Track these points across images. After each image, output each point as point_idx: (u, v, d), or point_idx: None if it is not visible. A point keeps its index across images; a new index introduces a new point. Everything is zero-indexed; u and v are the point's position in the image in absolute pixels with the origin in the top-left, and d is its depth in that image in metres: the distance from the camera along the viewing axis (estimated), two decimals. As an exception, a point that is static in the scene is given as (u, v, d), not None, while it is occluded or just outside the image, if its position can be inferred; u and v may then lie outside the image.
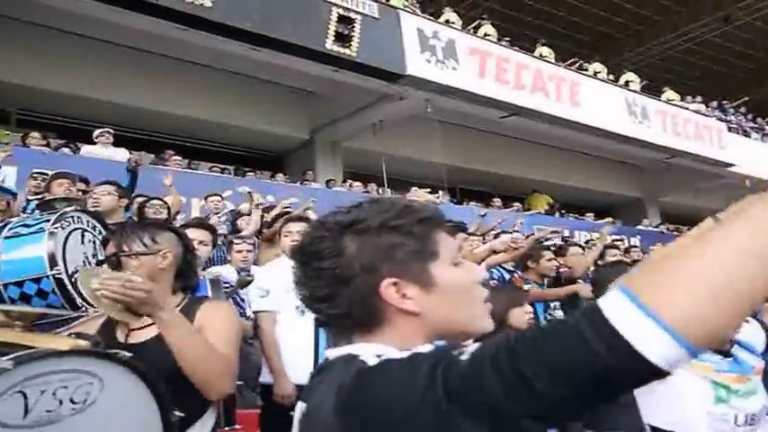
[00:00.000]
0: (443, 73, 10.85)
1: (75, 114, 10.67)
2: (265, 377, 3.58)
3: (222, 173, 10.94)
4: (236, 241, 5.20)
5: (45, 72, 9.69)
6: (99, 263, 2.06)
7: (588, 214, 14.58)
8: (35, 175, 6.10)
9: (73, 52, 9.87)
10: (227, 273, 4.74)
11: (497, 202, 13.21)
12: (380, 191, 11.60)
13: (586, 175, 16.36)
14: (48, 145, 8.75)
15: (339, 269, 0.92)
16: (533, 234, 10.18)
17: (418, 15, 11.40)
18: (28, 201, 5.51)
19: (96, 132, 8.54)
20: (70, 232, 2.51)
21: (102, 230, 2.39)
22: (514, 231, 7.71)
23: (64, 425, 1.27)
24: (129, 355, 1.48)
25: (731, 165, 15.51)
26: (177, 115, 11.23)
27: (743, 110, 18.21)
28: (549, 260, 5.20)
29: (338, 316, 0.94)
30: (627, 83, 14.89)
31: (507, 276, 5.32)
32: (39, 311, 1.53)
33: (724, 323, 0.64)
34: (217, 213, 7.02)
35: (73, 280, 2.41)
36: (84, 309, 2.34)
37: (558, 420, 0.71)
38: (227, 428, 1.86)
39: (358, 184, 11.78)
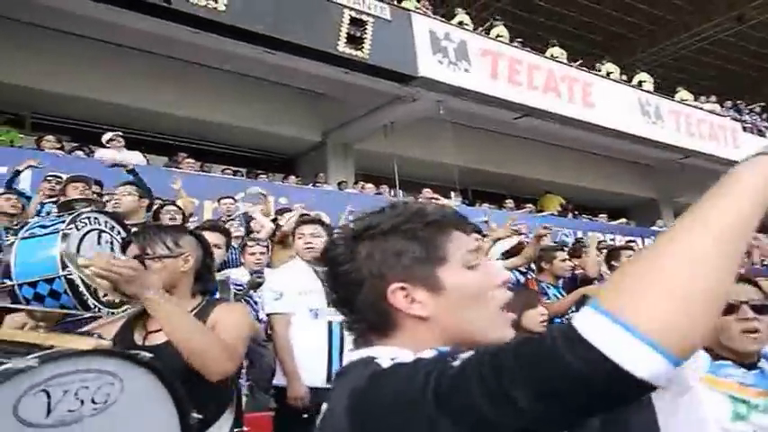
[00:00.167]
0: (455, 74, 10.83)
1: (89, 117, 10.75)
2: (279, 379, 3.58)
3: (234, 175, 10.99)
4: (249, 243, 5.22)
5: (59, 76, 9.77)
6: None
7: (602, 215, 14.49)
8: (49, 179, 6.14)
9: (86, 56, 9.94)
10: (240, 275, 4.77)
11: (510, 203, 13.16)
12: (392, 192, 11.60)
13: (600, 176, 16.27)
14: (62, 148, 8.82)
15: (353, 273, 0.94)
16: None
17: (430, 17, 11.39)
18: (42, 204, 5.56)
19: (105, 137, 8.43)
20: (86, 233, 2.52)
21: (121, 231, 2.41)
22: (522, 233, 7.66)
23: (84, 425, 1.27)
24: (150, 355, 1.48)
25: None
26: (190, 118, 11.29)
27: (757, 109, 18.04)
28: (563, 261, 5.15)
29: (356, 320, 0.96)
30: (640, 83, 14.81)
31: (521, 279, 5.29)
32: (62, 312, 1.54)
33: (695, 321, 0.63)
34: (230, 216, 7.03)
35: (85, 280, 2.43)
36: (96, 309, 2.35)
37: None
38: (235, 430, 1.86)
39: (370, 185, 11.79)
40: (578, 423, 0.68)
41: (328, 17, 9.56)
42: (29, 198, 5.81)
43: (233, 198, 7.49)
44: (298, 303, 3.58)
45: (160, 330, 1.84)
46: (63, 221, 2.31)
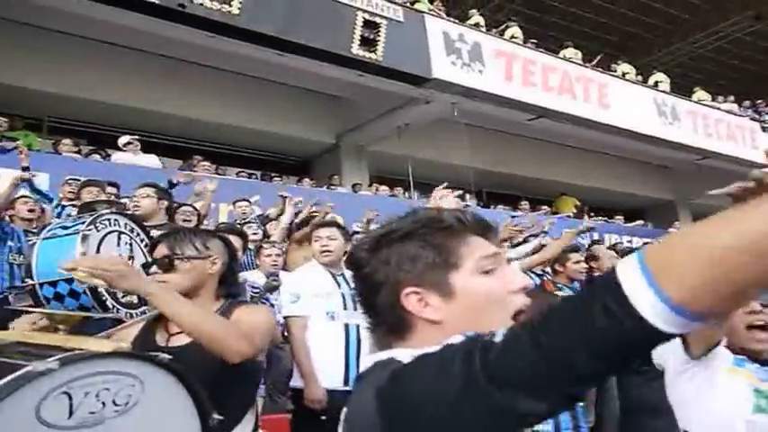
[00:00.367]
0: (469, 76, 10.80)
1: (105, 121, 10.84)
2: (296, 381, 3.58)
3: (249, 178, 11.03)
4: (264, 245, 5.24)
5: (75, 80, 9.87)
6: (147, 264, 2.09)
7: (618, 217, 14.37)
8: (70, 181, 6.21)
9: (102, 60, 10.04)
10: (256, 278, 4.78)
11: (525, 205, 13.10)
12: (407, 195, 11.58)
13: (616, 178, 16.15)
14: (79, 152, 8.90)
15: (372, 277, 0.97)
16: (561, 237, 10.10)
17: (443, 19, 11.37)
18: (63, 206, 5.60)
19: (122, 141, 8.54)
20: (105, 235, 2.54)
21: (141, 233, 2.42)
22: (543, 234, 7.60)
23: (106, 426, 1.27)
24: (169, 357, 1.48)
25: (765, 165, 15.11)
26: (205, 121, 11.35)
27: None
28: (577, 262, 5.11)
29: (377, 323, 0.99)
30: (656, 83, 14.68)
31: (538, 281, 5.26)
32: (82, 315, 1.54)
33: (720, 296, 0.63)
34: (245, 218, 7.06)
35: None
36: (115, 310, 2.36)
37: (591, 385, 0.73)
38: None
39: (384, 188, 11.79)
40: (616, 374, 0.70)
41: (341, 20, 9.57)
42: (51, 199, 5.87)
43: (248, 200, 7.52)
44: (314, 306, 3.59)
45: (182, 332, 1.85)
46: (83, 222, 2.33)
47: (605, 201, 16.37)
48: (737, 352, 2.02)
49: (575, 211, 14.19)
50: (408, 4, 10.71)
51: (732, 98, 16.53)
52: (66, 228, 2.42)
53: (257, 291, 4.31)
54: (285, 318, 3.75)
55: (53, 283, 2.30)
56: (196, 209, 5.50)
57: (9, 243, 4.84)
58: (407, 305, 0.94)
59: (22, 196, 5.43)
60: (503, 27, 12.78)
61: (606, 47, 16.60)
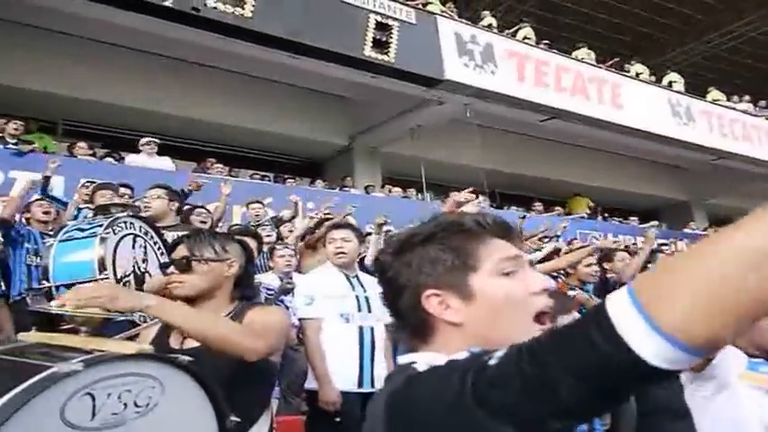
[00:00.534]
0: (482, 77, 10.78)
1: (119, 124, 10.94)
2: (310, 383, 3.59)
3: (262, 180, 11.07)
4: (278, 247, 5.27)
5: (90, 83, 9.96)
6: (165, 265, 2.11)
7: (633, 218, 14.27)
8: (87, 184, 6.26)
9: (116, 63, 10.12)
10: (271, 280, 4.80)
11: (538, 206, 13.05)
12: (419, 196, 11.57)
13: (630, 178, 16.04)
14: (94, 155, 8.99)
15: (396, 281, 1.00)
16: (576, 239, 10.07)
17: (455, 20, 11.36)
18: (79, 209, 5.66)
19: (142, 141, 8.84)
20: (122, 237, 2.57)
21: (155, 236, 2.44)
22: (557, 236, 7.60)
23: (127, 428, 1.28)
24: (189, 359, 1.49)
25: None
26: (218, 123, 11.40)
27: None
28: (588, 266, 5.09)
29: (401, 325, 1.02)
30: (670, 83, 14.58)
31: (554, 283, 5.24)
32: (104, 315, 1.55)
33: (720, 323, 0.60)
34: (258, 220, 7.09)
35: (122, 284, 2.47)
36: (132, 313, 2.38)
37: (580, 419, 0.73)
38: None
39: (397, 189, 11.79)
40: (609, 409, 0.68)
41: (354, 22, 9.59)
42: (65, 204, 5.92)
43: (261, 202, 7.55)
44: (329, 308, 3.60)
45: None
46: (101, 225, 2.35)
47: (619, 201, 16.27)
48: (753, 355, 1.97)
49: (588, 211, 14.14)
50: (420, 6, 10.71)
51: (748, 98, 16.38)
52: (82, 230, 2.44)
53: (272, 293, 4.33)
54: (300, 320, 3.76)
55: (69, 286, 2.32)
56: (209, 211, 5.54)
57: (26, 245, 4.89)
58: (428, 307, 0.96)
59: (36, 199, 5.49)
60: (515, 28, 12.74)
61: (620, 47, 16.52)
